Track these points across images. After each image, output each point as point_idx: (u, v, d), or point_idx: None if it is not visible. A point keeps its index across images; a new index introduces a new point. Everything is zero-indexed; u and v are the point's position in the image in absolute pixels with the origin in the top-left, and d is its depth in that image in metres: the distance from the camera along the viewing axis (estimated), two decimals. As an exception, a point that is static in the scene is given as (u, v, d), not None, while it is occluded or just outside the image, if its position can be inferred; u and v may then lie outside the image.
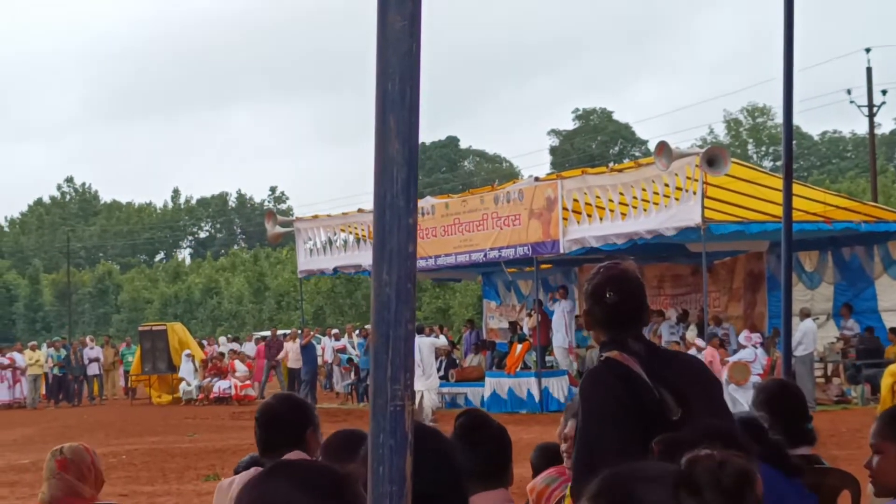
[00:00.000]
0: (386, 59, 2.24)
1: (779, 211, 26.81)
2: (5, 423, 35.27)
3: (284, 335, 46.49)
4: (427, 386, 30.85)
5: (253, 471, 5.23)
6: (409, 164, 2.23)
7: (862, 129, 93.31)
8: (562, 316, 32.55)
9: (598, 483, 2.68)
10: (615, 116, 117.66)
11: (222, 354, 44.06)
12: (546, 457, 7.25)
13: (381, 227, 2.23)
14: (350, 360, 40.46)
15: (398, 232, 2.22)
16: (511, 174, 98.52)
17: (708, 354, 28.23)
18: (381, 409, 2.21)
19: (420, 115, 2.27)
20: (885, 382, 24.41)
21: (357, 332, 46.37)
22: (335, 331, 47.90)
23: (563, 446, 6.40)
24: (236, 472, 6.11)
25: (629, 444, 4.58)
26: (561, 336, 32.64)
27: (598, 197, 29.08)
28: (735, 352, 28.83)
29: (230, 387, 41.42)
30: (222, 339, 52.04)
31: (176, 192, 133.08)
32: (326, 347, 44.85)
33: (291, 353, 41.46)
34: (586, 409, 4.84)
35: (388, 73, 2.25)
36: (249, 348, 47.07)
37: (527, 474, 7.61)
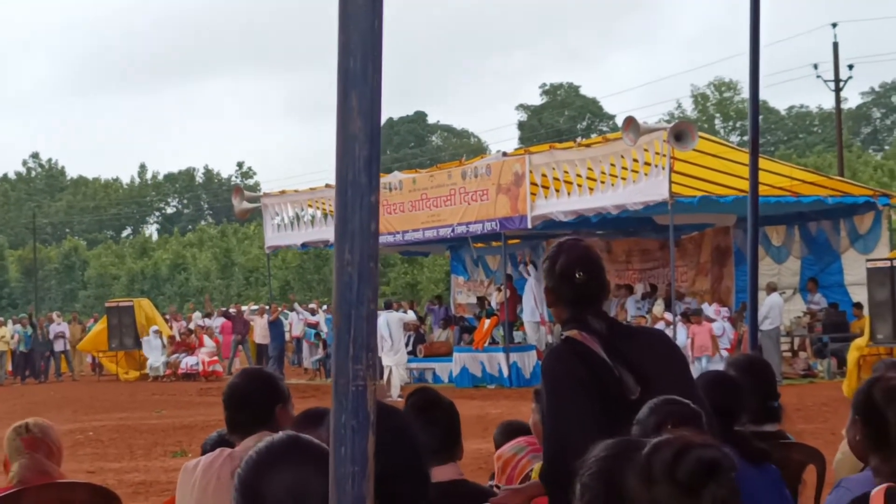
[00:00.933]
0: (347, 35, 2.21)
1: (746, 185, 26.80)
2: (-29, 400, 35.12)
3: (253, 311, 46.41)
4: (395, 361, 30.87)
5: (218, 452, 5.19)
6: (372, 142, 2.20)
7: (828, 103, 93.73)
8: (531, 290, 32.57)
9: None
10: (583, 91, 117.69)
11: (190, 330, 43.92)
12: (510, 435, 7.26)
13: (342, 205, 2.20)
14: (318, 334, 40.37)
15: (360, 210, 2.19)
16: (479, 149, 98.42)
17: (705, 329, 28.38)
18: (342, 389, 2.18)
19: (383, 92, 2.24)
20: (852, 356, 24.65)
21: (325, 307, 46.31)
22: (311, 305, 47.84)
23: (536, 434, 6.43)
24: (203, 450, 6.07)
25: (590, 422, 4.60)
26: (530, 309, 32.67)
27: (566, 172, 29.08)
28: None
29: (197, 363, 41.32)
30: (196, 314, 51.85)
31: (143, 168, 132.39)
32: (294, 323, 44.78)
33: (259, 328, 41.39)
34: (549, 389, 4.85)
35: (349, 49, 2.21)
36: (217, 323, 46.94)
37: (491, 450, 7.62)
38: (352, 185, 2.20)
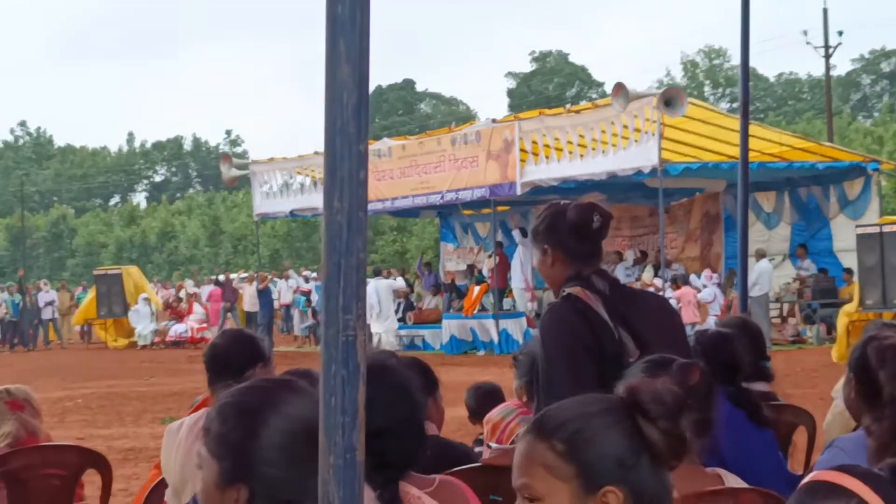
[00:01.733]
0: (335, -21, 2.18)
1: (736, 151, 26.77)
2: (-40, 368, 35.13)
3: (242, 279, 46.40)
4: (384, 328, 30.91)
5: (202, 412, 5.18)
6: (360, 89, 2.17)
7: (818, 70, 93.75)
8: (518, 256, 32.59)
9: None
10: (572, 58, 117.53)
11: (180, 298, 43.93)
12: (480, 398, 7.29)
13: (331, 154, 2.17)
14: (308, 301, 40.33)
15: (349, 158, 2.16)
16: (468, 116, 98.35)
17: (688, 294, 28.41)
18: (332, 340, 2.16)
19: (371, 60, 2.21)
20: (841, 322, 24.71)
21: (313, 274, 46.34)
22: (305, 272, 47.84)
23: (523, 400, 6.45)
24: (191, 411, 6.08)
25: (585, 381, 4.57)
26: (518, 276, 32.71)
27: (556, 138, 29.05)
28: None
29: (186, 330, 41.32)
30: (189, 282, 51.84)
31: (131, 136, 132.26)
32: (282, 291, 44.80)
33: (248, 296, 41.40)
34: (546, 345, 4.81)
35: (337, -6, 2.18)
36: (207, 291, 46.96)
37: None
38: (340, 133, 2.17)
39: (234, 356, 5.31)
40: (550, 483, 2.52)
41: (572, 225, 4.90)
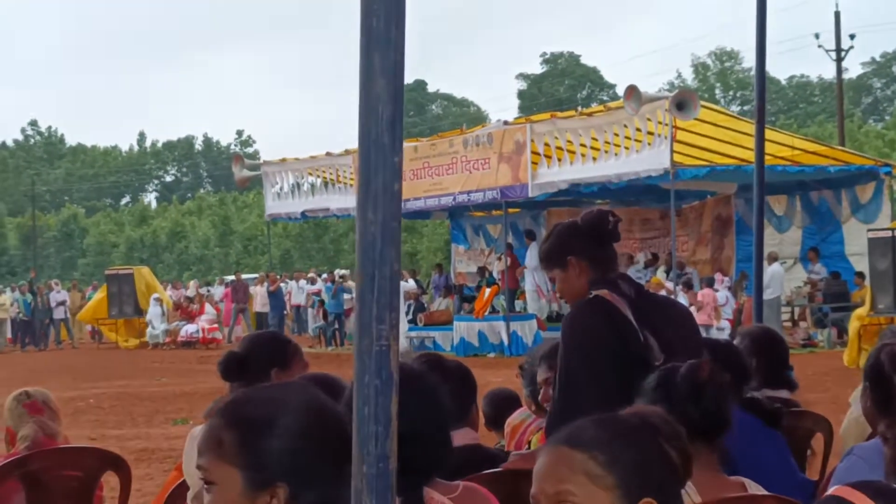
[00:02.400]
0: (370, -7, 2.21)
1: (748, 155, 26.85)
2: (-29, 367, 35.17)
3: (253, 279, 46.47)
4: (395, 330, 30.86)
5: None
6: (395, 102, 2.20)
7: (829, 73, 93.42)
8: (530, 258, 32.59)
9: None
10: (583, 60, 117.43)
11: (190, 299, 43.97)
12: (497, 404, 7.26)
13: (366, 165, 2.20)
14: (322, 301, 40.30)
15: (384, 170, 2.19)
16: (479, 118, 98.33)
17: (707, 296, 28.37)
18: (366, 349, 2.18)
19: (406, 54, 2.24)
20: (853, 326, 24.66)
21: (323, 276, 46.40)
22: (310, 274, 47.90)
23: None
24: (206, 418, 6.08)
25: (608, 385, 4.59)
26: (530, 278, 32.73)
27: (568, 141, 29.02)
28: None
29: (197, 331, 41.37)
30: (193, 283, 51.94)
31: (142, 136, 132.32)
32: (293, 292, 44.87)
33: (259, 297, 41.46)
34: (569, 347, 4.82)
35: (372, 9, 2.21)
36: (219, 292, 47.07)
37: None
38: (375, 145, 2.20)
39: (251, 362, 5.31)
40: (592, 491, 2.60)
41: (590, 230, 4.95)
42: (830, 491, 2.42)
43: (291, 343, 5.66)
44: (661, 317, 4.88)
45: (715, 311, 28.35)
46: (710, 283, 29.51)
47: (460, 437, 5.12)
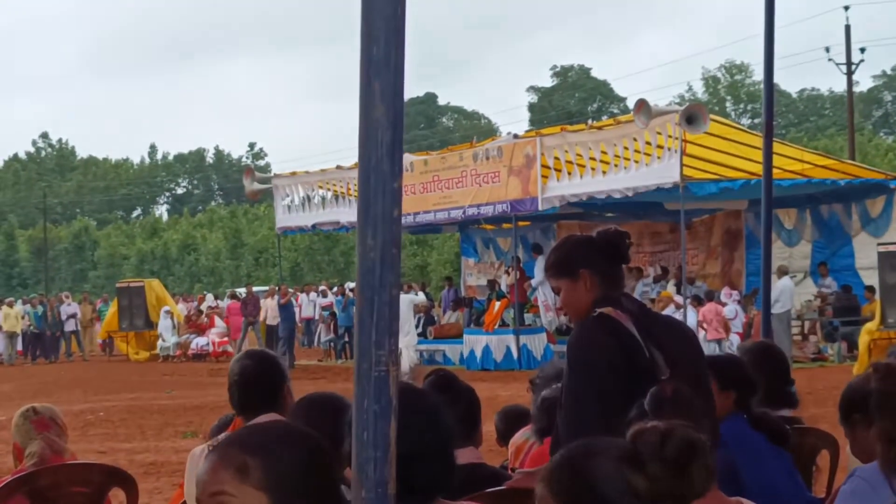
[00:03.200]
0: (371, 21, 2.21)
1: (757, 168, 26.77)
2: (-18, 380, 35.20)
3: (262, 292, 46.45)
4: (405, 343, 30.84)
5: (223, 437, 5.20)
6: (394, 128, 2.21)
7: (840, 86, 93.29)
8: (541, 272, 32.57)
9: (551, 464, 2.76)
10: (593, 73, 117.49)
11: (200, 311, 43.99)
12: (509, 420, 7.25)
13: (365, 191, 2.21)
14: (333, 314, 40.21)
15: (383, 196, 2.20)
16: (489, 131, 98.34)
17: (710, 311, 28.30)
18: (365, 375, 2.19)
19: (405, 78, 2.24)
20: (863, 340, 24.64)
21: (333, 289, 46.38)
22: (322, 287, 47.89)
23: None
24: (211, 435, 6.08)
25: (614, 401, 4.59)
26: (540, 292, 32.73)
27: (578, 154, 29.00)
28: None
29: (208, 343, 41.38)
30: (210, 295, 51.98)
31: (153, 148, 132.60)
32: (304, 304, 44.86)
33: (269, 310, 41.43)
34: (575, 364, 4.84)
35: (372, 35, 2.22)
36: (227, 305, 47.10)
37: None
38: (374, 171, 2.21)
39: (264, 380, 5.33)
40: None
41: (606, 247, 4.98)
42: None
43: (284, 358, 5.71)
44: (665, 332, 4.89)
45: (724, 325, 28.27)
46: (710, 297, 29.45)
47: (464, 456, 5.14)
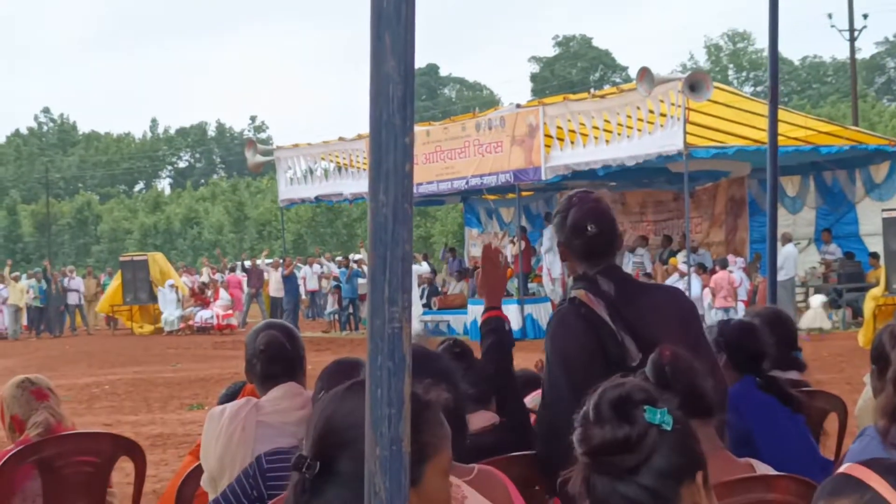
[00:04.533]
0: (380, -27, 2.19)
1: (760, 136, 26.78)
2: (-13, 354, 35.27)
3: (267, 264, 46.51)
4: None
5: (245, 401, 5.20)
6: (406, 82, 2.18)
7: (842, 53, 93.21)
8: (548, 240, 32.55)
9: None
10: (595, 43, 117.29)
11: (205, 284, 44.01)
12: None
13: (377, 146, 2.19)
14: (338, 286, 40.21)
15: (395, 151, 2.17)
16: (491, 101, 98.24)
17: (721, 279, 28.25)
18: (378, 331, 2.17)
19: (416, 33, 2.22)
20: (868, 306, 24.61)
21: (337, 259, 46.45)
22: (339, 258, 47.87)
23: None
24: (219, 403, 6.07)
25: (584, 387, 4.61)
26: (545, 262, 32.77)
27: (581, 123, 28.95)
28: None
29: (212, 316, 41.41)
30: (206, 269, 51.96)
31: (154, 122, 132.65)
32: (307, 277, 44.88)
33: (274, 282, 41.48)
34: (549, 350, 4.88)
35: (381, -13, 2.19)
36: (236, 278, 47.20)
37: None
38: (386, 125, 2.18)
39: (289, 350, 5.33)
40: None
41: (571, 228, 4.94)
42: (841, 469, 2.44)
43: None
44: (643, 310, 4.84)
45: (733, 293, 28.26)
46: (723, 264, 29.39)
47: (480, 419, 5.19)
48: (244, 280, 45.93)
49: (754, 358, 5.57)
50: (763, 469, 4.47)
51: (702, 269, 29.07)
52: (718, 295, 27.75)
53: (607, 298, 4.83)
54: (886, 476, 2.34)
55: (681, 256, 31.27)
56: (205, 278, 46.27)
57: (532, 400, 6.43)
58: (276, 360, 5.28)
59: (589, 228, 4.91)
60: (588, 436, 2.69)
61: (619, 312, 4.79)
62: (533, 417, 6.20)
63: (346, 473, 2.75)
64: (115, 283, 45.88)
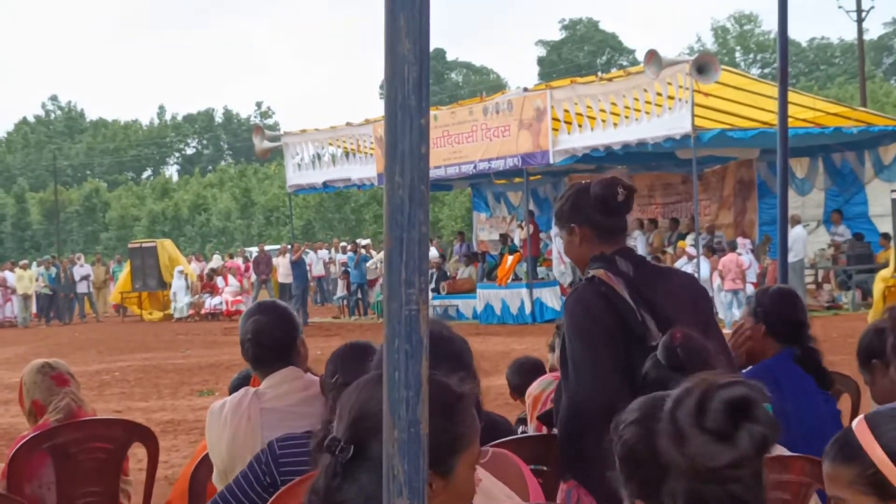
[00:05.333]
0: (394, -46, 2.18)
1: (769, 117, 26.76)
2: (-3, 343, 35.34)
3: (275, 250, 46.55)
4: (418, 298, 30.86)
5: (243, 392, 5.19)
6: (421, 63, 2.18)
7: (850, 34, 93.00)
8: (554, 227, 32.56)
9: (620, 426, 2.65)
10: (602, 26, 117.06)
11: (214, 271, 44.04)
12: (523, 373, 7.24)
13: (392, 127, 2.18)
14: (346, 272, 40.22)
15: (410, 132, 2.17)
16: (498, 86, 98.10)
17: (730, 261, 28.16)
18: (395, 314, 2.17)
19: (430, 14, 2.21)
20: (877, 287, 24.54)
21: (343, 245, 46.47)
22: (343, 244, 47.90)
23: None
24: (230, 390, 6.07)
25: (606, 364, 4.62)
26: (554, 246, 32.76)
27: (588, 107, 28.91)
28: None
29: (221, 303, 41.44)
30: (216, 256, 52.09)
31: (161, 109, 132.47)
32: (314, 263, 44.89)
33: (282, 267, 41.50)
34: (569, 328, 4.85)
35: (396, -31, 2.18)
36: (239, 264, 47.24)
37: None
38: (401, 107, 2.17)
39: (278, 333, 5.29)
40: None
41: (597, 199, 4.91)
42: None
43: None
44: (661, 291, 4.84)
45: (742, 276, 28.21)
46: (732, 246, 29.33)
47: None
48: (244, 267, 46.14)
49: (795, 326, 5.48)
50: (779, 450, 4.47)
51: (710, 251, 29.02)
52: (727, 277, 27.67)
53: (626, 277, 4.82)
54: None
55: (684, 241, 31.26)
56: (213, 264, 46.33)
57: (538, 385, 6.43)
58: (264, 345, 5.25)
59: (619, 192, 4.90)
60: (707, 453, 2.45)
61: (639, 291, 4.78)
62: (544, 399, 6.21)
63: (379, 459, 2.73)
64: (127, 270, 45.94)
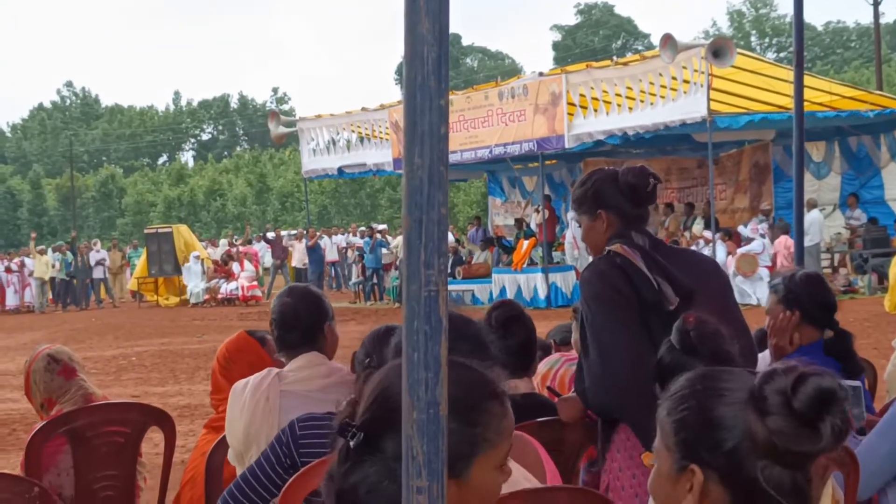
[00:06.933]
0: (414, -67, 2.17)
1: (784, 101, 26.68)
2: (14, 328, 35.42)
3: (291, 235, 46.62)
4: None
5: (266, 372, 5.19)
6: (440, 44, 2.17)
7: (866, 18, 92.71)
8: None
9: (674, 394, 2.64)
10: (617, 10, 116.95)
11: (230, 256, 44.11)
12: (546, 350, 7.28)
13: (412, 108, 2.17)
14: (361, 256, 40.23)
15: (430, 113, 2.16)
16: (513, 71, 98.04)
17: (779, 244, 28.03)
18: (414, 295, 2.16)
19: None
20: (893, 271, 24.47)
21: (361, 228, 46.54)
22: (361, 228, 47.94)
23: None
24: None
25: (625, 331, 4.64)
26: (569, 231, 32.78)
27: (604, 91, 28.86)
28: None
29: (237, 288, 41.51)
30: (223, 241, 52.14)
31: (177, 95, 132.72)
32: (328, 248, 44.92)
33: (298, 253, 41.55)
34: (587, 297, 4.88)
35: (415, -52, 2.18)
36: (260, 248, 47.32)
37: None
38: (421, 88, 2.17)
39: (303, 315, 5.29)
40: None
41: (628, 188, 4.95)
42: None
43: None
44: (677, 263, 4.87)
45: (790, 257, 28.12)
46: (785, 230, 29.00)
47: (520, 386, 5.26)
48: (260, 253, 46.20)
49: (828, 309, 5.42)
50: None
51: (727, 236, 28.96)
52: (780, 256, 27.63)
53: (642, 249, 4.85)
54: None
55: (696, 226, 31.13)
56: (233, 251, 46.43)
57: (545, 364, 6.47)
58: (290, 328, 5.25)
59: (651, 182, 4.96)
60: (787, 433, 2.46)
61: (655, 260, 4.81)
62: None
63: (389, 452, 2.69)
64: (144, 256, 46.03)
